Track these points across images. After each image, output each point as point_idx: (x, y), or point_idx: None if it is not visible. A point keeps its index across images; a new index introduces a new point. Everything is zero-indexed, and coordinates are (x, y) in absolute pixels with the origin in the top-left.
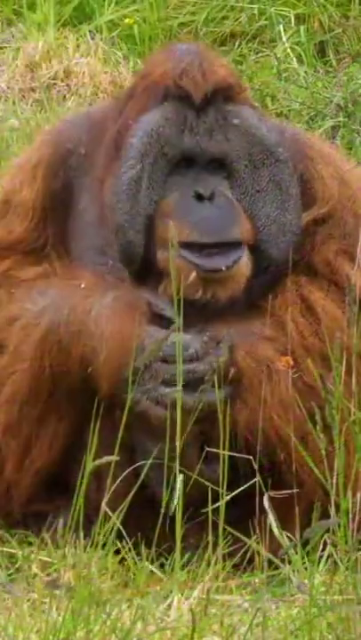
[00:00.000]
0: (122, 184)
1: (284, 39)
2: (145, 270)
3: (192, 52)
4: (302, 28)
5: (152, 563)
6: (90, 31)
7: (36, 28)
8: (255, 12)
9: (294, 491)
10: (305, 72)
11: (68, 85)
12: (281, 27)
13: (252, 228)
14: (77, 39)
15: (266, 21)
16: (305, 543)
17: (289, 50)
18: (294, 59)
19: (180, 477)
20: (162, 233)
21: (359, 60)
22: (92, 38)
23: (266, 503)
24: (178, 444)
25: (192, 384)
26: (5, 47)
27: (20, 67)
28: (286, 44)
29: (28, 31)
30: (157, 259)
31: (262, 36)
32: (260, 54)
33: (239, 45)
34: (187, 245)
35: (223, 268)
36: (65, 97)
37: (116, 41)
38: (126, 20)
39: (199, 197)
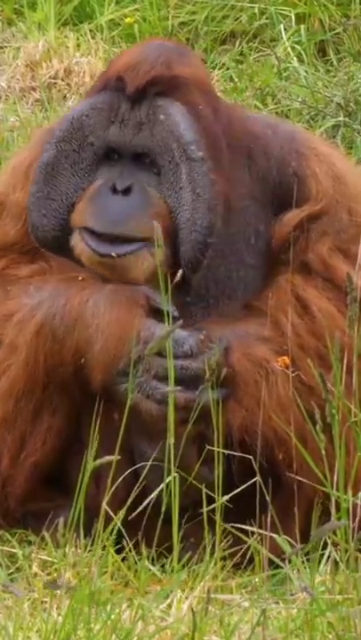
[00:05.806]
0: (37, 167)
1: (284, 38)
2: (67, 255)
3: (159, 47)
4: (303, 27)
5: (152, 562)
6: (90, 30)
7: (37, 27)
8: (256, 11)
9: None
10: (305, 71)
11: (68, 85)
12: (281, 26)
13: (170, 225)
14: (78, 38)
15: (266, 20)
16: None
17: (289, 49)
18: (295, 58)
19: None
20: (73, 218)
21: (360, 60)
22: (93, 37)
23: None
24: (170, 441)
25: (185, 381)
26: (6, 46)
27: (20, 66)
28: (287, 44)
29: (29, 30)
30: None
31: (263, 35)
32: (260, 53)
33: (240, 44)
34: (85, 230)
35: (113, 255)
36: (65, 96)
37: (116, 40)
38: (127, 20)
39: (114, 190)
